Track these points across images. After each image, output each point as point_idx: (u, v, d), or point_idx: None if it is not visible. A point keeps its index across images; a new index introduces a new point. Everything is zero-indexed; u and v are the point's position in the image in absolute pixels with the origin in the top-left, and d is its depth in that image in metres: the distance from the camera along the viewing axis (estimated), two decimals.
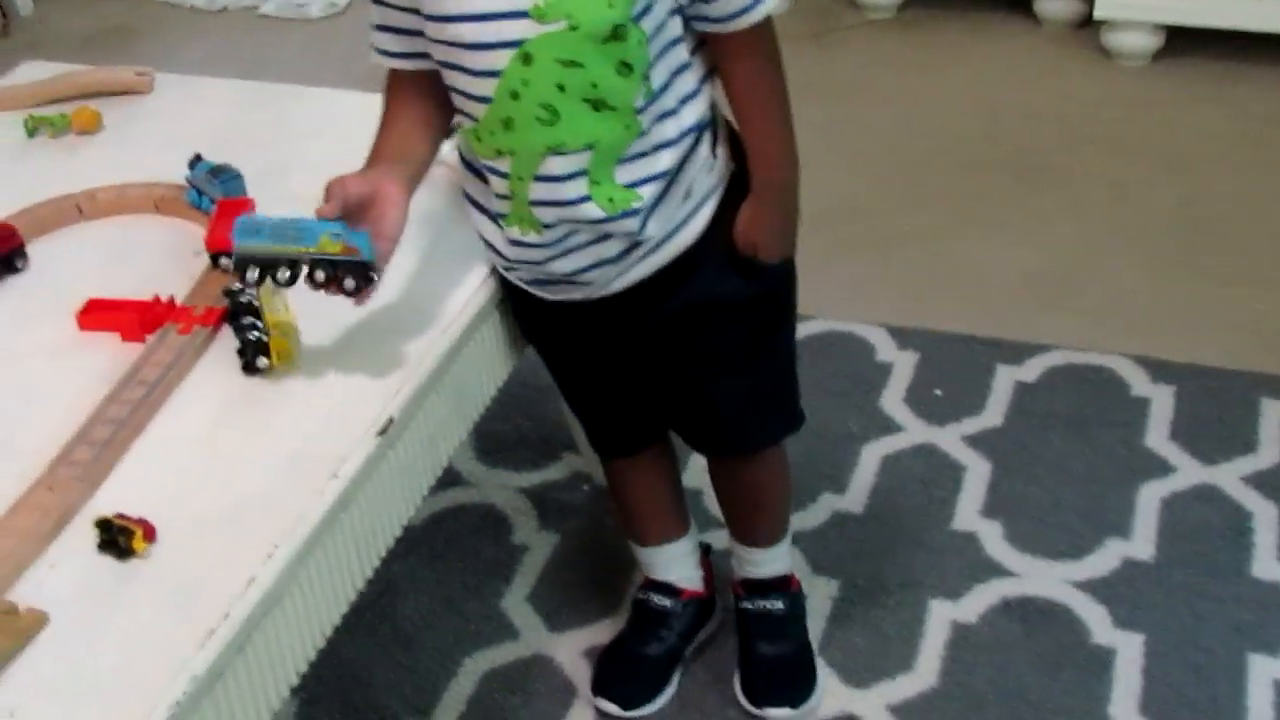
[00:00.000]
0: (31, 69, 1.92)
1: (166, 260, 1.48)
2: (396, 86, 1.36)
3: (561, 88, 1.23)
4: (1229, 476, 1.97)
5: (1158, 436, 2.05)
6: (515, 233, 1.34)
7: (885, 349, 2.24)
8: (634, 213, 1.30)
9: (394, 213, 1.24)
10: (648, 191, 1.30)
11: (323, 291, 1.22)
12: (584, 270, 1.36)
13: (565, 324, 1.46)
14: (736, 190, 1.39)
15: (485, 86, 1.25)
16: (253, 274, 1.23)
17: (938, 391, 2.15)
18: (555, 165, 1.26)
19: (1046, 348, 2.22)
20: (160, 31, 3.54)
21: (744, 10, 1.27)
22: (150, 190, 1.58)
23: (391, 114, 1.35)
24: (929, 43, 3.19)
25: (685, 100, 1.31)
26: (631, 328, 1.44)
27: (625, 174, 1.28)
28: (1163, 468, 1.99)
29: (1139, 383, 2.14)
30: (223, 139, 1.66)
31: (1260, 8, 2.90)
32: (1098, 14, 3.01)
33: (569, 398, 1.65)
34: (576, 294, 1.40)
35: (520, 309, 1.47)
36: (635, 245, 1.34)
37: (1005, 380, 2.16)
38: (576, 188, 1.28)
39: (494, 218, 1.37)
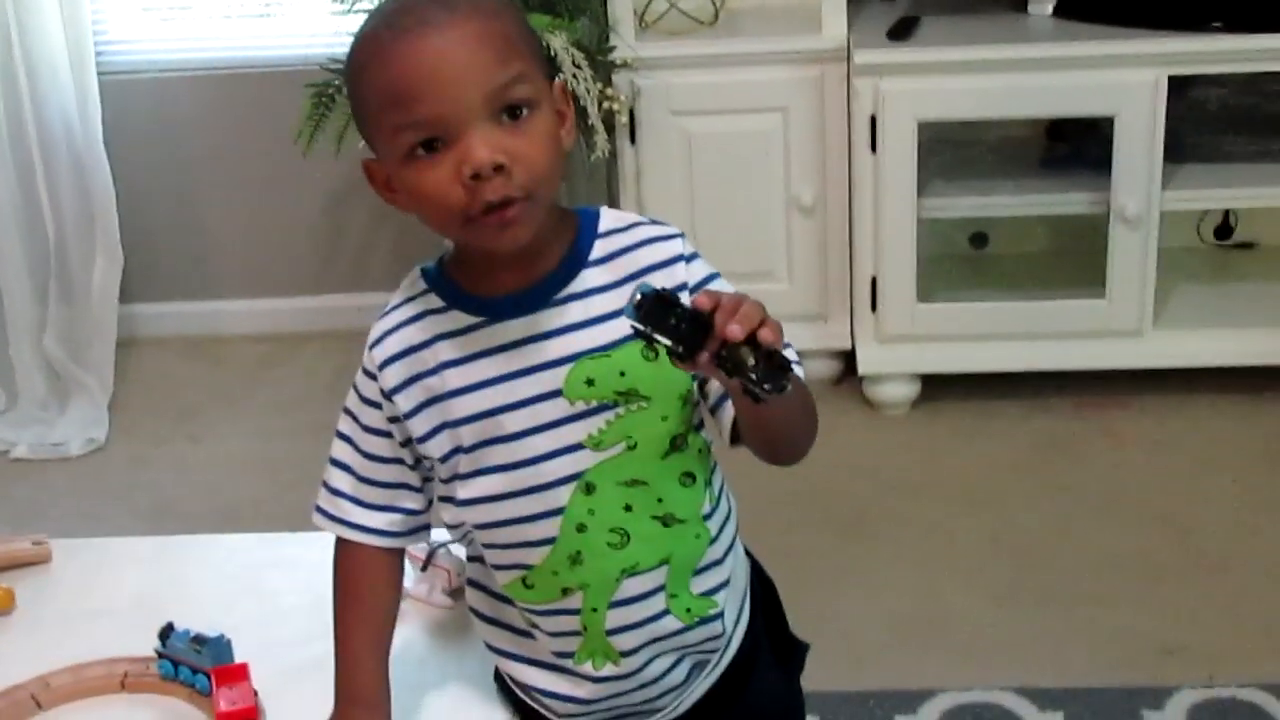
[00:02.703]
0: None
1: None
2: (367, 567, 1.30)
3: (628, 508, 1.23)
4: None
5: None
6: (589, 669, 1.28)
7: None
8: (712, 619, 1.29)
9: None
10: (723, 597, 1.30)
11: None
12: (657, 697, 1.32)
13: None
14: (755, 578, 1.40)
15: (547, 528, 1.23)
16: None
17: None
18: (632, 587, 1.25)
19: (933, 692, 2.29)
20: None
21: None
22: (111, 668, 1.46)
23: (360, 608, 1.30)
24: None
25: (721, 495, 1.33)
26: None
27: (699, 583, 1.28)
28: None
29: (1030, 714, 2.23)
30: (158, 603, 1.57)
31: (1002, 351, 3.20)
32: (861, 370, 3.23)
33: None
34: None
35: None
36: (704, 661, 1.33)
37: None
38: (654, 604, 1.26)
39: (550, 664, 1.30)
